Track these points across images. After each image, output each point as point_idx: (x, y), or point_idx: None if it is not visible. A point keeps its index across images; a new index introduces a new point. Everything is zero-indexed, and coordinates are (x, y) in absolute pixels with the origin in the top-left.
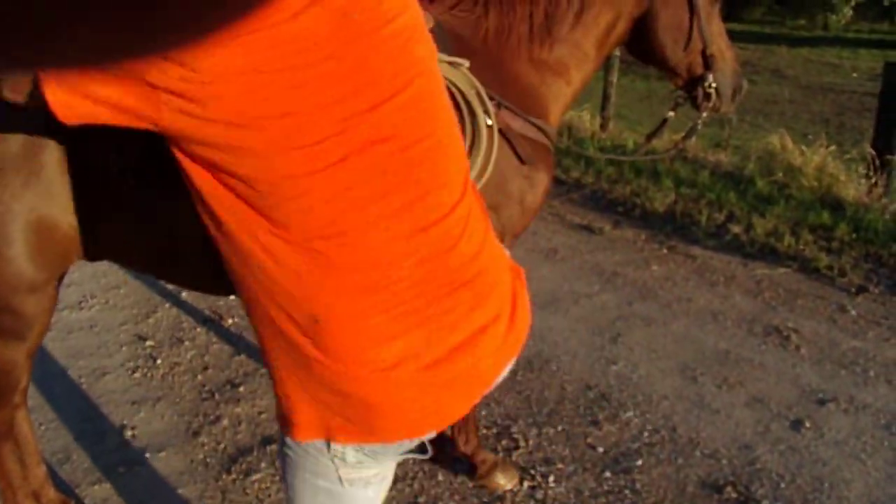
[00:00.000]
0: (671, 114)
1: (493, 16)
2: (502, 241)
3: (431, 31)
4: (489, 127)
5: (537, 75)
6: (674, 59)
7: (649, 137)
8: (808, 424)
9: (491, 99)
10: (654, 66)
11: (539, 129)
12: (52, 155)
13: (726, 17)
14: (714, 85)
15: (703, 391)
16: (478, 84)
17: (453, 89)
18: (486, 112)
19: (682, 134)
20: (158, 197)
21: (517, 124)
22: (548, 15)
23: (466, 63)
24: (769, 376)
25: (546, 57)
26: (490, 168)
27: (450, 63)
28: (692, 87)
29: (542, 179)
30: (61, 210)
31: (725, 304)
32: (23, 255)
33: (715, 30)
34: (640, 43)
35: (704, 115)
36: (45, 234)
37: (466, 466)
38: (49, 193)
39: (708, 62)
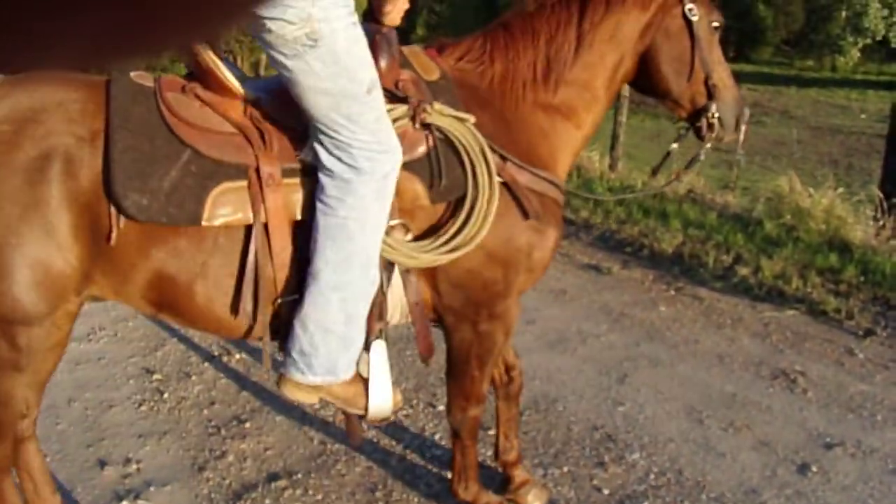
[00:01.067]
0: (674, 145)
1: (497, 64)
2: (508, 296)
3: (437, 81)
4: (491, 183)
5: (546, 120)
6: (677, 91)
7: (654, 171)
8: (815, 469)
9: (496, 153)
10: (659, 99)
11: (548, 181)
12: (53, 191)
13: (734, 57)
14: (717, 114)
15: (709, 434)
16: (482, 140)
17: (458, 145)
18: (489, 169)
19: (692, 169)
20: None
21: (524, 178)
22: (549, 58)
23: (472, 118)
24: (776, 420)
25: (553, 100)
26: (487, 224)
27: (456, 118)
28: (696, 117)
29: (551, 234)
30: (58, 247)
31: (732, 347)
32: (19, 287)
33: (716, 59)
34: (645, 77)
35: (708, 145)
36: (40, 270)
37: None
38: (46, 230)
39: (711, 92)
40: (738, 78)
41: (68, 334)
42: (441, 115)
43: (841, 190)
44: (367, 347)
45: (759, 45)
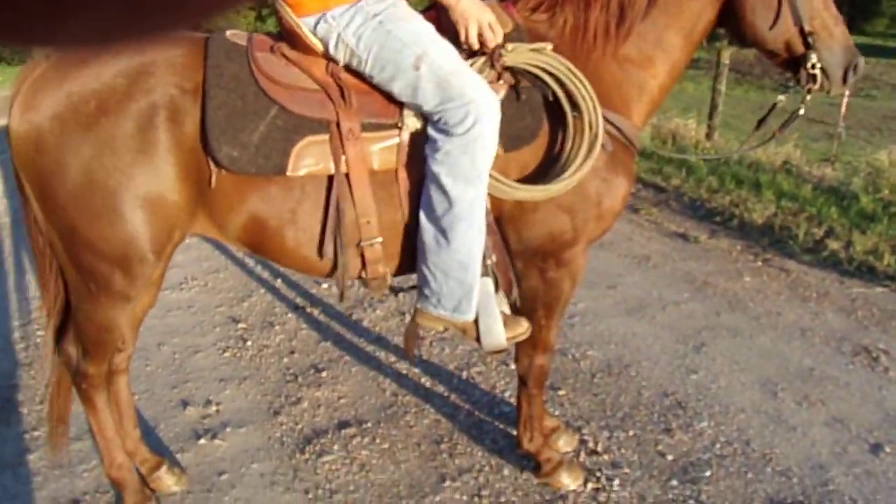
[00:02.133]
0: (781, 98)
1: (569, 13)
2: (576, 244)
3: (510, 34)
4: (590, 95)
5: (620, 71)
6: (768, 39)
7: (758, 124)
8: (888, 449)
9: None
10: (753, 47)
11: (621, 130)
12: (161, 137)
13: (848, 28)
14: (818, 65)
15: (781, 407)
16: (566, 62)
17: (544, 75)
18: (583, 84)
19: (789, 126)
20: None
21: (601, 128)
22: (623, 7)
23: (549, 45)
24: (853, 397)
25: (627, 50)
26: (593, 157)
27: (533, 50)
28: (795, 68)
29: (622, 183)
30: (166, 188)
31: (816, 321)
32: (134, 224)
33: (816, 3)
34: (732, 24)
35: (808, 98)
36: (152, 208)
37: (533, 464)
38: (156, 172)
39: (807, 40)
40: None
41: (163, 273)
42: (517, 53)
43: None
44: None
45: (873, 15)
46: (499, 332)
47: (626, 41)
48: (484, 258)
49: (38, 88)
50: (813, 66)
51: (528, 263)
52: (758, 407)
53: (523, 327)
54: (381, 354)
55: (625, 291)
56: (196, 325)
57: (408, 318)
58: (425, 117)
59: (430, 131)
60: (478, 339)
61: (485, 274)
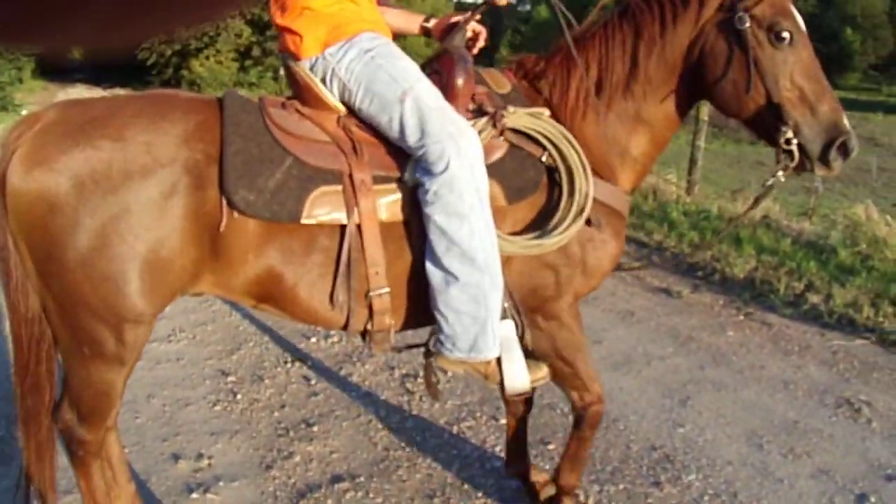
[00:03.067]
0: (773, 178)
1: (556, 80)
2: (559, 299)
3: (508, 94)
4: (582, 161)
5: (603, 138)
6: (742, 109)
7: (755, 203)
8: (873, 499)
9: None
10: (729, 116)
11: (609, 192)
12: (181, 202)
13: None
14: (794, 140)
15: (768, 459)
16: (561, 127)
17: (540, 138)
18: (576, 149)
19: (763, 198)
20: None
21: (591, 190)
22: (601, 79)
23: (546, 111)
24: (837, 448)
25: (610, 120)
26: (583, 217)
27: (531, 114)
28: (770, 142)
29: (609, 244)
30: (177, 253)
31: (798, 374)
32: (138, 291)
33: (791, 71)
34: (709, 94)
35: (780, 174)
36: (158, 274)
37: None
38: (170, 236)
39: (778, 112)
40: None
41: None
42: (517, 116)
43: None
44: None
45: (847, 70)
46: (523, 375)
47: (608, 110)
48: (502, 299)
49: (48, 144)
50: (788, 143)
51: (523, 313)
52: (744, 459)
53: (543, 371)
54: (372, 409)
55: (610, 346)
56: (185, 377)
57: (397, 372)
58: (418, 172)
59: (418, 174)
60: (500, 384)
61: (504, 317)
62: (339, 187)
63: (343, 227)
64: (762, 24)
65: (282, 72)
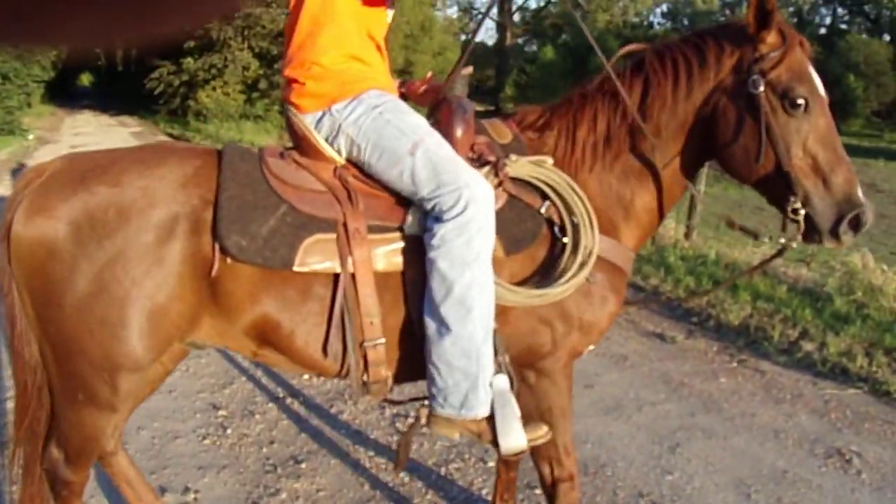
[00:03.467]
0: (782, 243)
1: (561, 132)
2: (555, 356)
3: (510, 143)
4: (588, 210)
5: (607, 193)
6: (745, 174)
7: (762, 264)
8: None
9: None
10: (738, 181)
11: (610, 247)
12: (178, 248)
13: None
14: (802, 211)
15: None
16: (566, 176)
17: (544, 187)
18: (581, 198)
19: (766, 265)
20: None
21: (596, 244)
22: (608, 136)
23: (549, 160)
24: (825, 499)
25: (613, 175)
26: (587, 269)
27: (534, 163)
28: (780, 209)
29: (608, 301)
30: (174, 300)
31: (789, 423)
32: (134, 336)
33: (804, 139)
34: (718, 157)
35: (793, 244)
36: (155, 319)
37: None
38: (168, 282)
39: (788, 181)
40: None
41: (170, 370)
42: (520, 165)
43: None
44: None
45: (849, 116)
46: (518, 433)
47: (615, 163)
48: (496, 353)
49: (50, 192)
50: (795, 212)
51: (514, 367)
52: None
53: (543, 430)
54: (361, 447)
55: (602, 391)
56: (176, 409)
57: (388, 412)
58: (426, 221)
59: (428, 221)
60: (494, 442)
61: (499, 371)
62: (333, 236)
63: (337, 275)
64: (777, 89)
65: None
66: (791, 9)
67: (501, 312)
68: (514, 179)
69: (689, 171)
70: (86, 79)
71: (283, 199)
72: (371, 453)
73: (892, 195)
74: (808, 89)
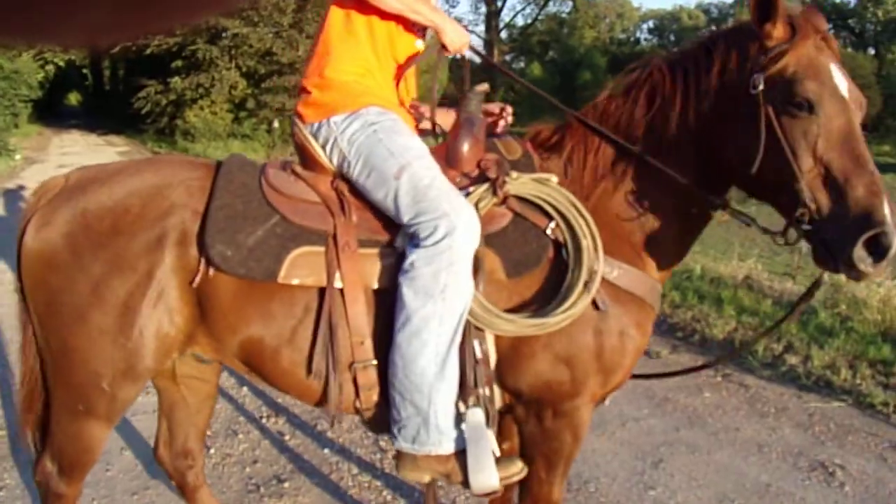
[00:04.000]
0: (825, 276)
1: (574, 150)
2: (576, 397)
3: (519, 159)
4: (592, 231)
5: (626, 214)
6: (749, 186)
7: (778, 323)
8: None
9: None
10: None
11: (631, 276)
12: (167, 258)
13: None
14: (808, 227)
15: None
16: (570, 195)
17: (546, 206)
18: (585, 219)
19: (797, 311)
20: None
21: (600, 265)
22: (618, 152)
23: (554, 177)
24: None
25: (629, 197)
26: (589, 295)
27: (536, 180)
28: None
29: (628, 336)
30: (168, 310)
31: (773, 436)
32: (133, 346)
33: (814, 144)
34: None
35: (825, 276)
36: (152, 331)
37: None
38: (159, 294)
39: (793, 193)
40: None
41: (216, 385)
42: (521, 183)
43: None
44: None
45: None
46: (490, 470)
47: (634, 183)
48: (476, 385)
49: (56, 206)
50: (806, 232)
51: (527, 408)
52: None
53: (517, 467)
54: (345, 466)
55: None
56: None
57: None
58: (398, 231)
59: (403, 243)
60: (465, 482)
61: (476, 404)
62: (323, 248)
63: (324, 290)
64: (778, 87)
65: (276, 124)
66: None
67: (511, 345)
68: (521, 198)
69: (714, 189)
70: (73, 98)
71: (276, 209)
72: (355, 471)
73: None
74: (817, 87)
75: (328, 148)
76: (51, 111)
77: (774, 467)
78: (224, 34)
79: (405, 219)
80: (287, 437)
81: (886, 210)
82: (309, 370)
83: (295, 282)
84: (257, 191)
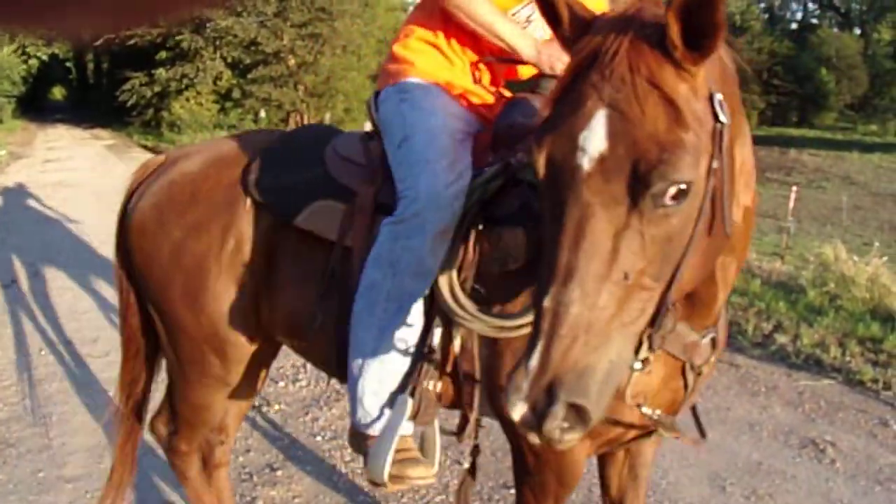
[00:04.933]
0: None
1: None
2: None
3: None
4: None
5: None
6: None
7: None
8: None
9: None
10: None
11: None
12: (233, 216)
13: (797, 122)
14: None
15: (730, 502)
16: None
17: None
18: None
19: None
20: None
21: None
22: None
23: None
24: (800, 490)
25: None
26: None
27: None
28: None
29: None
30: (245, 272)
31: (764, 415)
32: (219, 307)
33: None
34: None
35: None
36: (232, 291)
37: None
38: (236, 254)
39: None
40: (801, 143)
41: (267, 369)
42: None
43: (885, 259)
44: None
45: (822, 109)
46: (382, 462)
47: None
48: (417, 375)
49: (150, 182)
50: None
51: (507, 432)
52: (706, 501)
53: (427, 472)
54: (337, 454)
55: None
56: None
57: None
58: None
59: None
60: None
61: (411, 394)
62: (344, 206)
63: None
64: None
65: (262, 114)
66: (762, 4)
67: (490, 353)
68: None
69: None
70: (58, 92)
71: (324, 162)
72: (347, 458)
73: (867, 187)
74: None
75: (378, 115)
76: (35, 106)
77: (765, 445)
78: (208, 24)
79: (398, 188)
80: (279, 426)
81: None
82: (311, 323)
83: (307, 228)
84: (315, 147)
